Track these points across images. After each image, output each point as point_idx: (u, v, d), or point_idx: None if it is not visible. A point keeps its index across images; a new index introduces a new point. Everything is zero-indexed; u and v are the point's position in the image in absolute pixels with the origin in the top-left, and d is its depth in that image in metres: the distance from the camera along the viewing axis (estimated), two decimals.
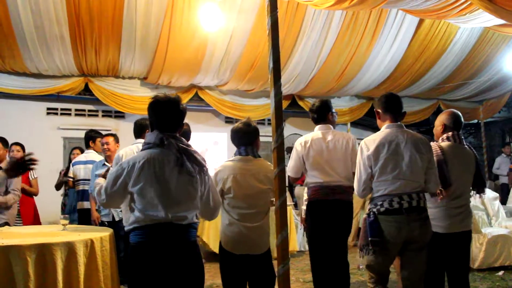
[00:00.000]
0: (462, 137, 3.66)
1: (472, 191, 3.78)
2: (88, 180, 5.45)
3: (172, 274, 2.54)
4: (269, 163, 3.43)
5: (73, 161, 5.93)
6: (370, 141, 3.20)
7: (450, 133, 3.62)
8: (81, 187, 5.68)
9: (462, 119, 3.73)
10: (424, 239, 3.17)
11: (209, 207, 2.77)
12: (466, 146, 3.67)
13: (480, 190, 3.81)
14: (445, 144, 3.57)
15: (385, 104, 3.31)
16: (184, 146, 2.63)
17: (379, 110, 3.35)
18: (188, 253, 2.61)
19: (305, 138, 3.88)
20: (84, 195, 5.62)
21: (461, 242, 3.56)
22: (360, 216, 6.95)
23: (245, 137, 3.35)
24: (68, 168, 6.07)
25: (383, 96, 3.40)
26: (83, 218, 5.51)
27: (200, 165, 2.65)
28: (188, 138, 4.95)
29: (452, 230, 3.48)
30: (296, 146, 3.89)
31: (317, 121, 4.00)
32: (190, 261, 2.61)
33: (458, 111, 3.75)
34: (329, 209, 3.80)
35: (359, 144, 3.35)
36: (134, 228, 2.57)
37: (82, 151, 6.07)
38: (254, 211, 3.26)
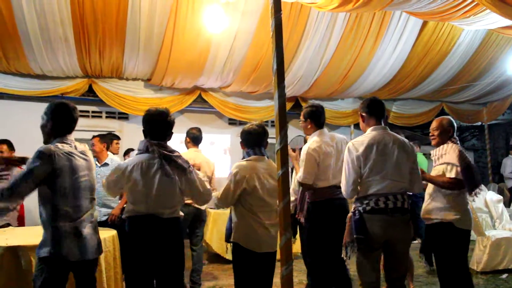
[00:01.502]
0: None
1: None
2: None
3: (156, 257, 3.09)
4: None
5: None
6: (359, 143, 3.30)
7: (456, 137, 3.84)
8: None
9: None
10: (406, 240, 3.32)
11: (200, 195, 3.30)
12: None
13: None
14: (461, 147, 3.74)
15: (370, 108, 3.45)
16: (166, 152, 3.12)
17: (364, 114, 3.47)
18: (170, 243, 3.13)
19: (316, 144, 3.89)
20: None
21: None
22: None
23: (260, 138, 3.51)
24: None
25: (367, 100, 3.52)
26: None
27: (180, 168, 3.16)
28: (198, 142, 5.18)
29: (471, 227, 3.73)
30: (312, 151, 3.84)
31: (321, 126, 4.06)
32: (172, 249, 3.14)
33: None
34: (336, 208, 3.90)
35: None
36: (127, 217, 3.16)
37: None
38: (273, 208, 3.38)
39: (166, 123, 3.20)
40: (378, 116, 3.42)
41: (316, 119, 4.02)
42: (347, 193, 3.32)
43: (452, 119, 3.94)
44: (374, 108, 3.43)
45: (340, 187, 3.83)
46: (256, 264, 3.35)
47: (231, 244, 3.45)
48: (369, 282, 3.25)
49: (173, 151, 3.19)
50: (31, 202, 5.97)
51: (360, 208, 3.23)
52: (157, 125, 3.19)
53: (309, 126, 4.03)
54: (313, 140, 3.94)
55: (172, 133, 3.27)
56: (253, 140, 3.50)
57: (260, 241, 3.34)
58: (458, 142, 3.81)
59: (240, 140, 3.60)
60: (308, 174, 3.82)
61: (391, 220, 3.18)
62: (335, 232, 3.87)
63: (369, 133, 3.35)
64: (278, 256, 3.46)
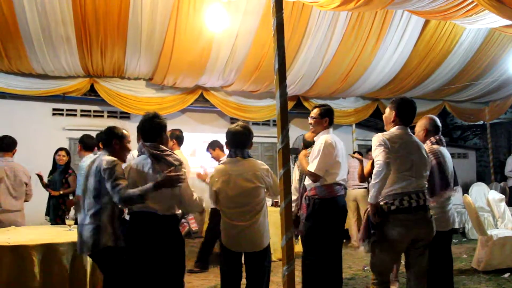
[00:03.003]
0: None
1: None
2: None
3: (154, 255, 3.15)
4: (260, 162, 3.58)
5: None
6: (387, 136, 3.32)
7: (437, 137, 3.87)
8: None
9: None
10: (429, 238, 3.34)
11: (183, 200, 3.29)
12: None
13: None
14: (436, 147, 3.82)
15: (400, 112, 3.45)
16: (156, 152, 3.26)
17: (394, 112, 3.47)
18: (167, 239, 3.19)
19: (333, 139, 4.02)
20: None
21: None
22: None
23: (239, 140, 3.53)
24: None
25: (402, 103, 3.49)
26: None
27: (171, 165, 3.20)
28: (182, 144, 5.17)
29: (451, 226, 3.87)
30: (329, 145, 3.93)
31: (331, 125, 4.22)
32: (169, 246, 3.20)
33: (435, 116, 4.04)
34: (339, 205, 4.02)
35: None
36: (129, 214, 3.32)
37: (67, 153, 5.97)
38: (245, 209, 3.43)
39: (153, 126, 3.36)
40: (406, 122, 3.45)
41: (332, 117, 4.20)
42: (385, 168, 3.16)
43: (434, 118, 3.97)
44: (404, 115, 3.45)
45: (341, 184, 4.03)
46: (232, 261, 3.47)
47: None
48: (379, 274, 3.31)
49: (164, 150, 3.32)
50: (30, 203, 6.01)
51: (384, 208, 3.25)
52: (146, 128, 3.36)
53: (325, 124, 4.15)
54: (328, 135, 4.06)
55: (164, 133, 3.43)
56: (232, 141, 3.56)
57: (231, 241, 3.45)
58: (439, 143, 3.85)
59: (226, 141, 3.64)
60: (323, 166, 3.89)
61: (415, 219, 3.22)
62: (336, 231, 4.01)
63: (396, 131, 3.40)
64: (279, 255, 3.47)
